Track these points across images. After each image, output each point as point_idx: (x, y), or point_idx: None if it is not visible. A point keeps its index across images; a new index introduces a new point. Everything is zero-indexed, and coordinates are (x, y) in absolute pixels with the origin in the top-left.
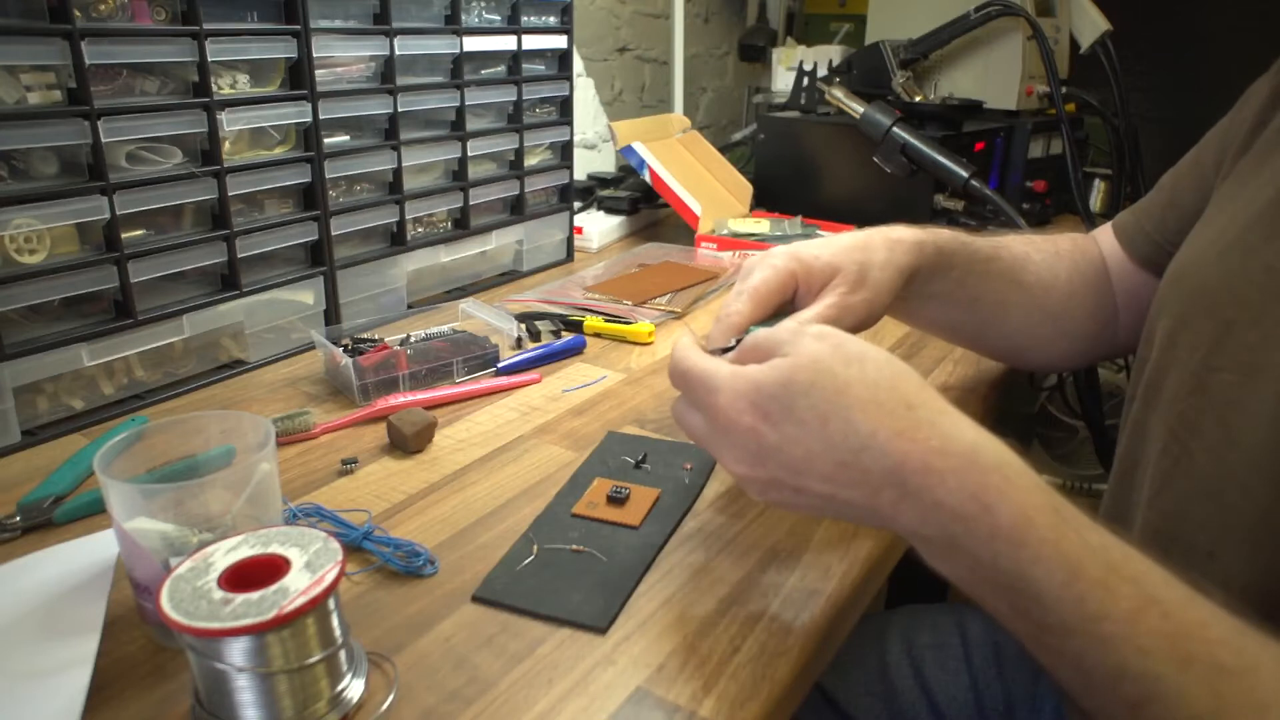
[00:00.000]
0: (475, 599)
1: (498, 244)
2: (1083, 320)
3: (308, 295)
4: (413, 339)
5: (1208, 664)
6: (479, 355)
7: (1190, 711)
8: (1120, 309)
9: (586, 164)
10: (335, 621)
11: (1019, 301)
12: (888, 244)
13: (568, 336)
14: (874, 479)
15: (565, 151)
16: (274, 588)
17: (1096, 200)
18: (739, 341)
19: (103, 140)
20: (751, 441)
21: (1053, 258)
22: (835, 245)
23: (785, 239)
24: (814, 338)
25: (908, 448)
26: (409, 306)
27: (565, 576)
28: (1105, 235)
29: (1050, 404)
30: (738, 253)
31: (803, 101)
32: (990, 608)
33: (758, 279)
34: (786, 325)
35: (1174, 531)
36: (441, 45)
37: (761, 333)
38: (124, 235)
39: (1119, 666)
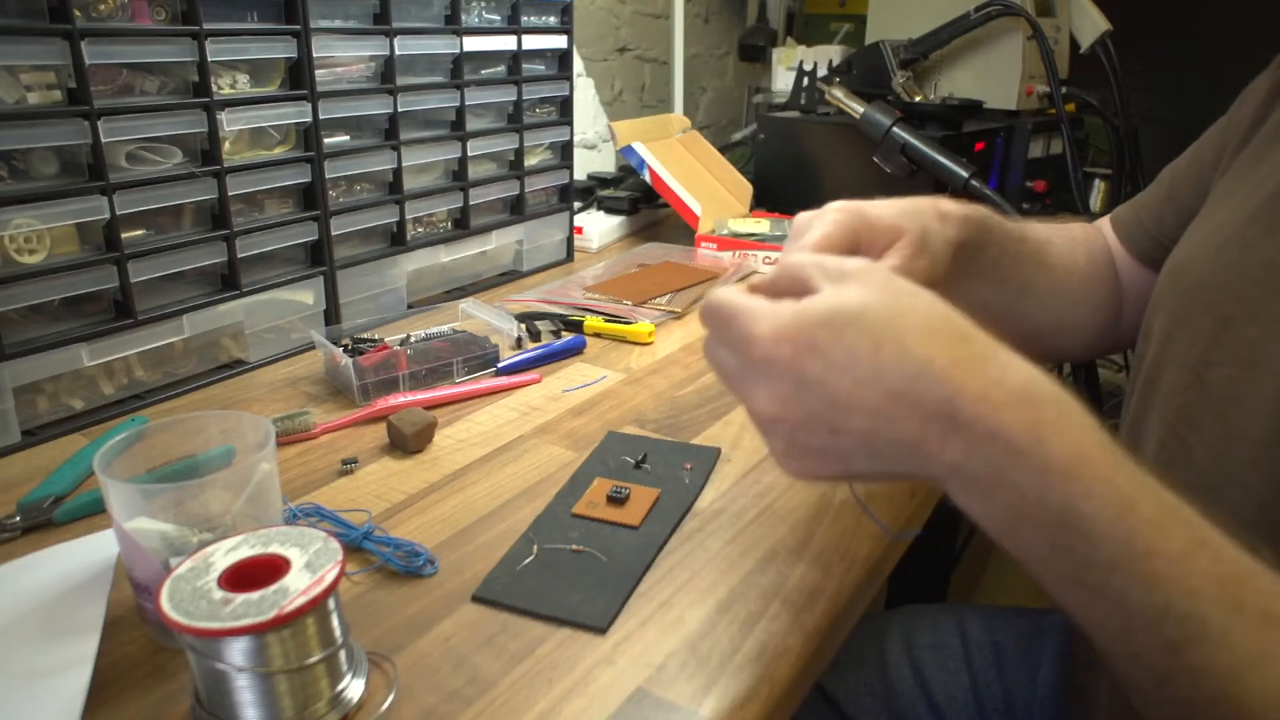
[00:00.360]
0: (475, 599)
1: (498, 244)
2: (1095, 309)
3: (308, 295)
4: (413, 339)
5: (1257, 610)
6: (479, 355)
7: (1234, 656)
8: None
9: (586, 164)
10: (335, 621)
11: (1044, 285)
12: (939, 214)
13: (568, 336)
14: (925, 408)
15: (565, 151)
16: (274, 588)
17: (1096, 200)
18: None
19: (103, 140)
20: (791, 373)
21: (1070, 244)
22: (896, 207)
23: (785, 239)
24: (860, 269)
25: (964, 377)
26: (409, 306)
27: (565, 576)
28: (1105, 229)
29: None
30: (738, 253)
31: (803, 101)
32: (1025, 548)
33: (818, 233)
34: (826, 259)
35: None
36: (441, 45)
37: (796, 261)
38: (124, 235)
39: (1164, 605)
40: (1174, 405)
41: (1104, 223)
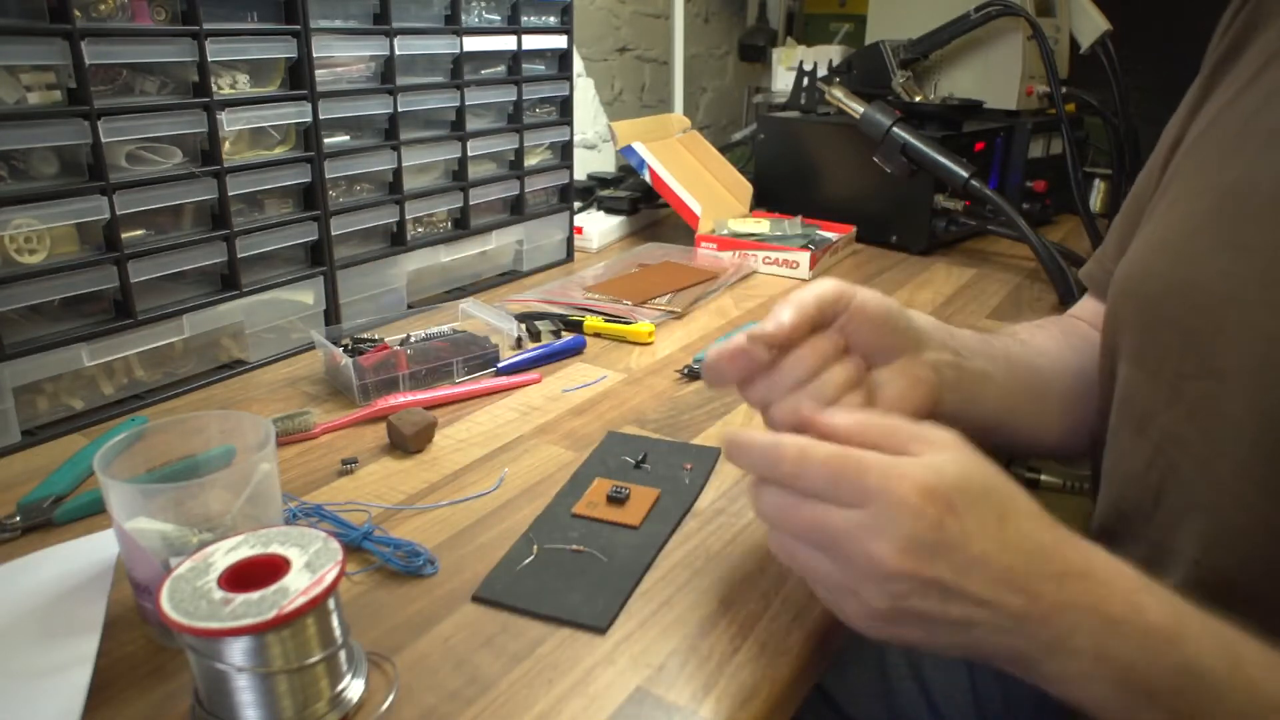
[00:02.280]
0: (475, 599)
1: (498, 244)
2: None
3: (308, 295)
4: (413, 339)
5: None
6: (479, 355)
7: None
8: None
9: (586, 164)
10: (335, 621)
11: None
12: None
13: (568, 336)
14: (1034, 584)
15: (565, 151)
16: (274, 588)
17: (1096, 200)
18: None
19: (103, 140)
20: (931, 532)
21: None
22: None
23: (785, 239)
24: (949, 440)
25: (1069, 554)
26: (409, 306)
27: (565, 576)
28: (1084, 305)
29: None
30: (738, 253)
31: (803, 101)
32: None
33: (804, 293)
34: (906, 424)
35: (1170, 544)
36: (441, 45)
37: (881, 422)
38: (124, 235)
39: None
40: (1156, 424)
41: (1077, 310)
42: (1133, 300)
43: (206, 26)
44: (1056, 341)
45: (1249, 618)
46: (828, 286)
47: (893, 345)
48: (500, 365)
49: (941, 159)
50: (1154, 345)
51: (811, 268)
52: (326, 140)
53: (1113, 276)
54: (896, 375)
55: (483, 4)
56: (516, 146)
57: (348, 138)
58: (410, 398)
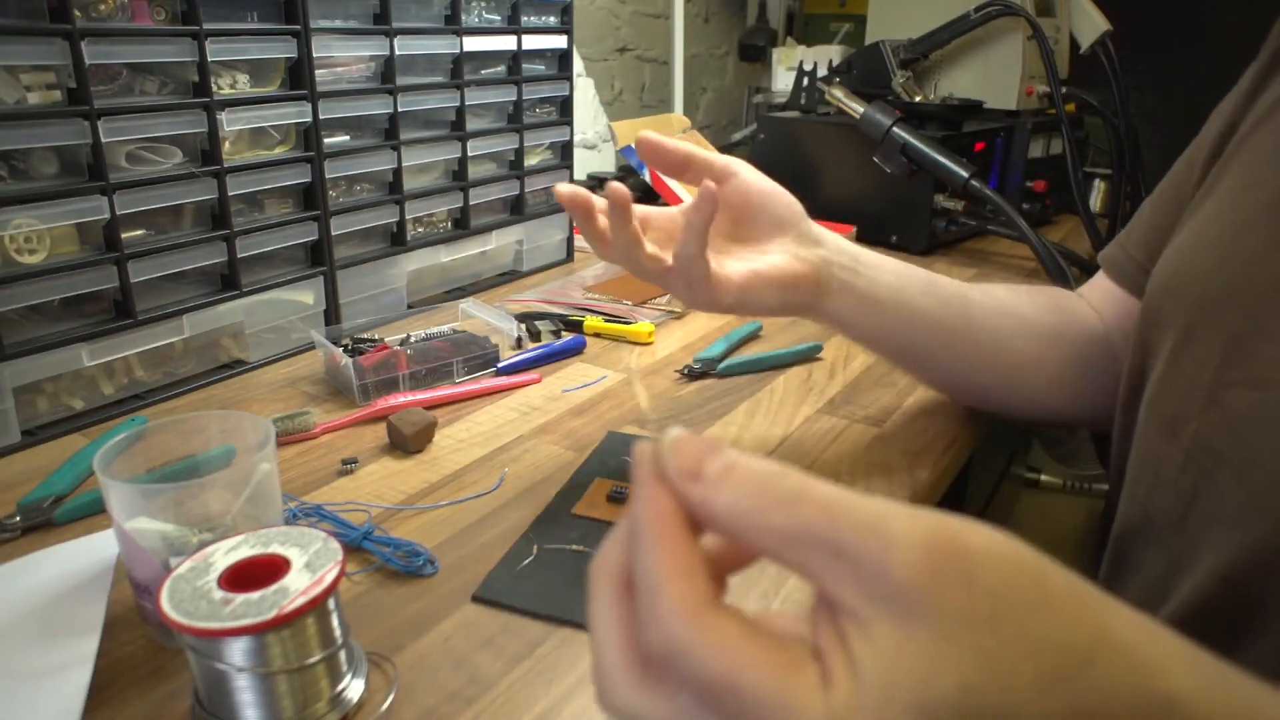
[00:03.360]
0: (475, 599)
1: (498, 244)
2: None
3: (308, 295)
4: (413, 339)
5: None
6: (479, 355)
7: None
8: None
9: (586, 164)
10: (335, 621)
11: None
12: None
13: (568, 336)
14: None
15: (565, 151)
16: (274, 588)
17: (1096, 200)
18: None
19: (103, 140)
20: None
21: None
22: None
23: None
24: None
25: None
26: (409, 306)
27: (565, 576)
28: (1094, 284)
29: None
30: None
31: (803, 101)
32: None
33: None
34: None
35: (1195, 554)
36: (441, 45)
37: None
38: (124, 235)
39: None
40: (1189, 430)
41: (1094, 280)
42: (1175, 300)
43: (206, 26)
44: (1036, 307)
45: (1273, 637)
46: (717, 156)
47: (773, 224)
48: (500, 365)
49: (941, 159)
50: (1195, 348)
51: None
52: (326, 140)
53: (1151, 273)
54: (777, 250)
55: (483, 4)
56: (516, 146)
57: (348, 138)
58: (410, 398)
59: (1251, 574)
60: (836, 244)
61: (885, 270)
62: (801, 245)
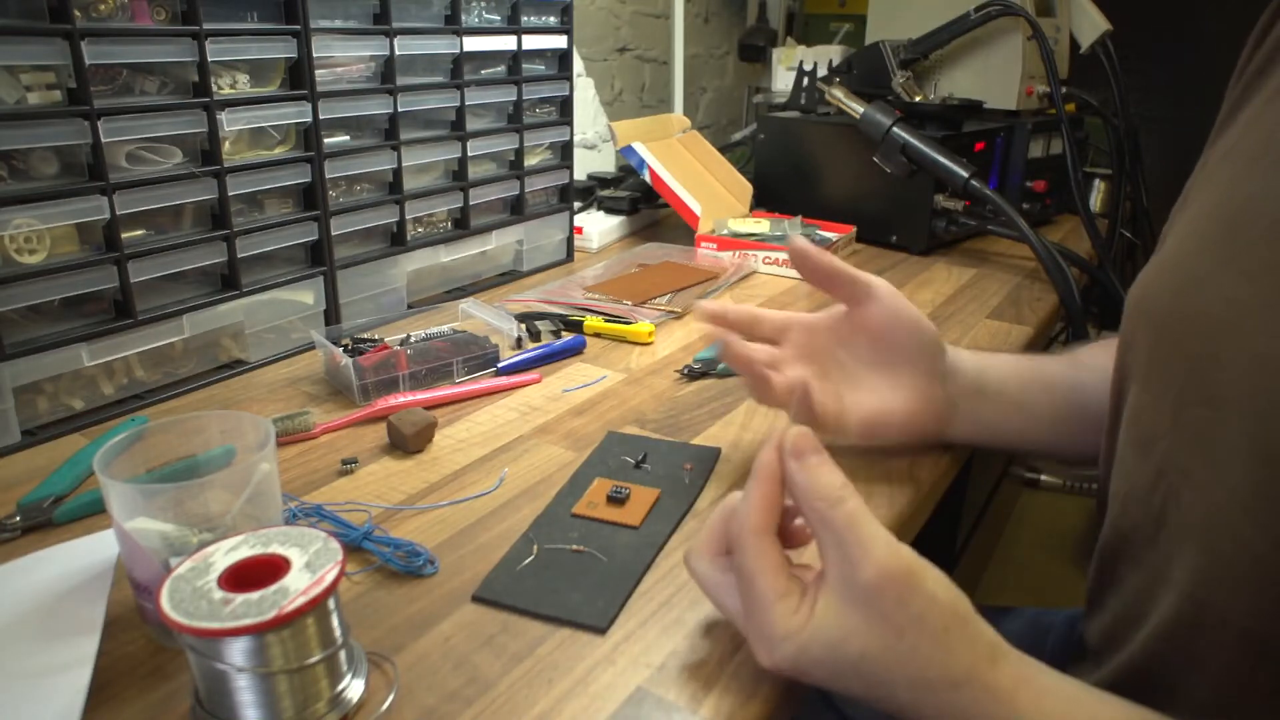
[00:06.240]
0: (475, 599)
1: (498, 244)
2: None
3: (308, 295)
4: (413, 339)
5: None
6: (479, 355)
7: None
8: None
9: (586, 164)
10: (335, 621)
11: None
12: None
13: (568, 336)
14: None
15: (565, 151)
16: (274, 588)
17: (1096, 200)
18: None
19: (103, 140)
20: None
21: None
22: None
23: (785, 239)
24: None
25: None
26: (409, 306)
27: (565, 576)
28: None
29: None
30: (738, 253)
31: (803, 101)
32: None
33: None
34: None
35: (1166, 574)
36: (441, 45)
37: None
38: (124, 235)
39: None
40: (1159, 448)
41: None
42: (1141, 321)
43: (206, 26)
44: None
45: (1243, 655)
46: (861, 276)
47: (908, 358)
48: (500, 365)
49: (941, 159)
50: (1160, 368)
51: None
52: (326, 140)
53: (1127, 294)
54: (907, 384)
55: (483, 4)
56: (516, 146)
57: (348, 138)
58: (410, 398)
59: (1216, 594)
60: (966, 374)
61: (1009, 386)
62: (932, 383)
